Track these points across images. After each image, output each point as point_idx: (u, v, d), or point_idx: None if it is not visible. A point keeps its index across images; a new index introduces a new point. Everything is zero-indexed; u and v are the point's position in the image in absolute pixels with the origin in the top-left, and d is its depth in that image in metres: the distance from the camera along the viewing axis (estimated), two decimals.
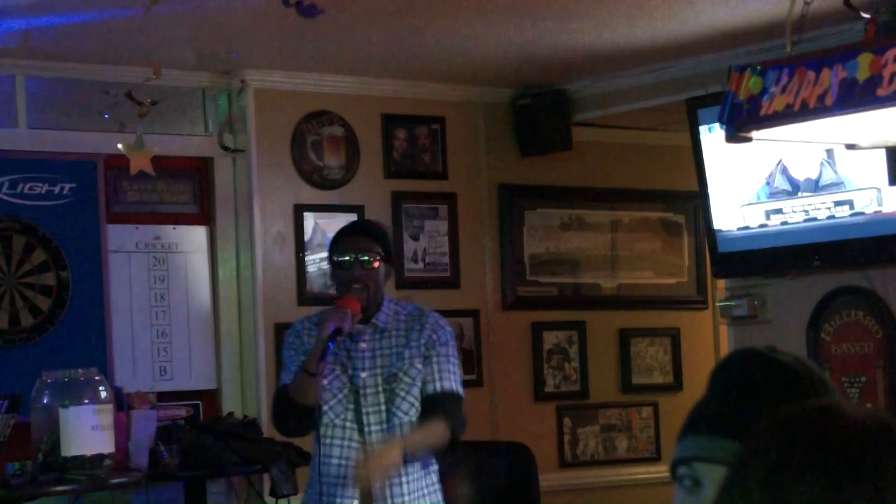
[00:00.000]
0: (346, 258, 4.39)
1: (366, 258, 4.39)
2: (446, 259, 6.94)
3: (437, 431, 4.34)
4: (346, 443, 4.40)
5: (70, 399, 5.26)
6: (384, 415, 4.39)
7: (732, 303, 6.45)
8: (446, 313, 6.96)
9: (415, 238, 6.86)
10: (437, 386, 4.43)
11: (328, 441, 4.40)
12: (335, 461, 4.39)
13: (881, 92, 3.53)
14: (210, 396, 6.40)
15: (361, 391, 4.39)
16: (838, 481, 1.26)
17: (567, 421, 7.23)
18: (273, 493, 5.79)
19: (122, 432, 5.50)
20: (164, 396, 6.07)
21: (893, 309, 5.85)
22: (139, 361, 6.27)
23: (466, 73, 6.68)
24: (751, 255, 6.09)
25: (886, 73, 3.53)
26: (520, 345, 7.14)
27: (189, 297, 6.42)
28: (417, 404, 4.41)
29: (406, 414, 4.39)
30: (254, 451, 5.77)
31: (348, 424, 4.40)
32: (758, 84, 3.78)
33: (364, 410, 4.39)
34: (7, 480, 5.13)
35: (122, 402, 5.59)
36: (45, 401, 5.31)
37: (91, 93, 6.17)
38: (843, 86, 3.59)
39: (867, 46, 3.64)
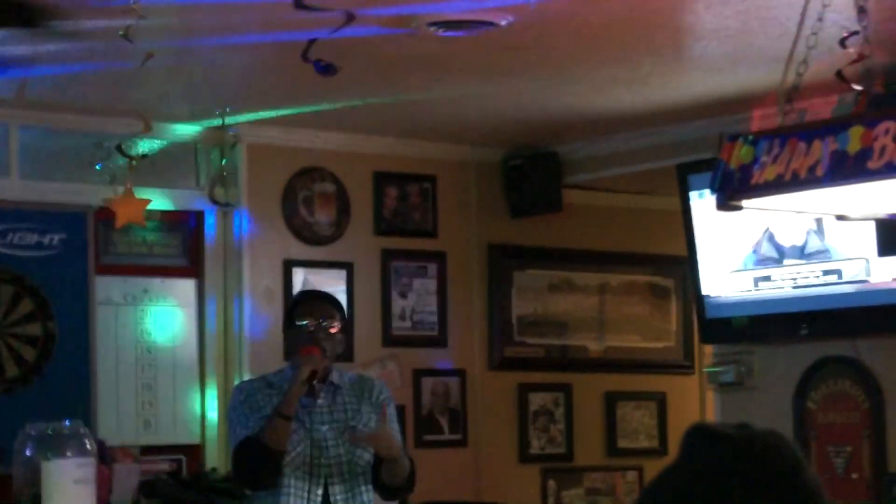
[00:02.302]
0: (306, 322, 4.65)
1: (327, 323, 4.67)
2: (434, 318, 6.92)
3: (402, 453, 4.65)
4: (306, 494, 4.61)
5: (53, 452, 5.22)
6: (345, 466, 4.64)
7: (719, 369, 6.44)
8: (433, 372, 7.01)
9: (403, 296, 6.84)
10: None
11: (289, 491, 4.61)
12: None
13: (872, 165, 3.54)
14: (194, 451, 6.36)
15: (323, 444, 4.63)
16: None
17: (551, 483, 7.20)
18: None
19: (105, 486, 5.45)
20: (149, 450, 6.03)
21: (880, 379, 5.84)
22: (123, 414, 6.23)
23: (459, 132, 6.69)
24: (738, 321, 6.08)
25: (877, 147, 3.54)
26: (505, 406, 7.12)
27: (175, 350, 6.39)
28: (371, 457, 4.67)
29: (367, 464, 4.65)
30: None
31: (308, 477, 4.61)
32: (749, 153, 3.78)
33: (325, 462, 4.63)
34: None
35: (105, 456, 5.55)
36: (27, 453, 5.26)
37: (83, 144, 6.16)
38: (834, 158, 3.60)
39: (859, 119, 3.65)
